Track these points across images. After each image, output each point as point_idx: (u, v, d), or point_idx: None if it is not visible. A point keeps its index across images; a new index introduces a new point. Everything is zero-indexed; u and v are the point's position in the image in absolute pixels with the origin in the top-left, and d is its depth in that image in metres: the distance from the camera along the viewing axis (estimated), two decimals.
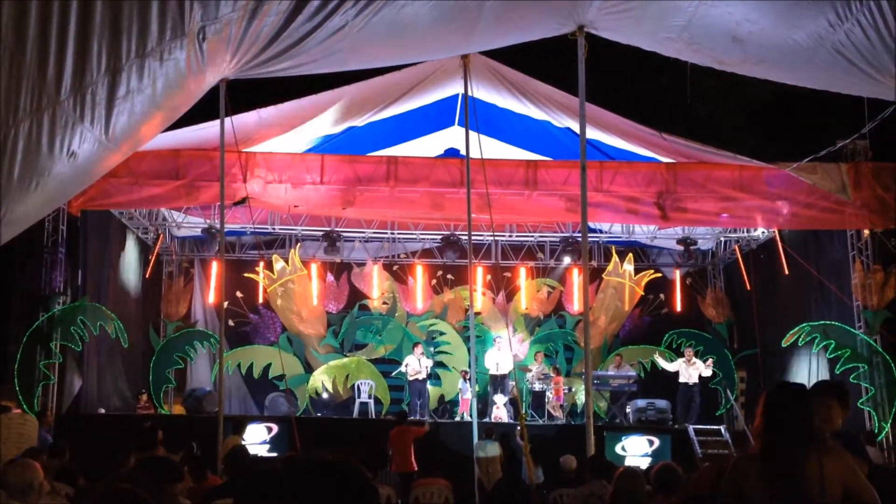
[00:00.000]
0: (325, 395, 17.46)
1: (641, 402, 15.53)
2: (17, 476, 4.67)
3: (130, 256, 17.09)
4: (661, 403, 15.44)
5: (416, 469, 12.00)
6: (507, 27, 8.67)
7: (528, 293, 18.77)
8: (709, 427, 14.90)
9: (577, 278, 18.39)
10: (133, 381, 16.69)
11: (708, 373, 16.16)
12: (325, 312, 18.52)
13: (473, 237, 13.08)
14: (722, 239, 18.38)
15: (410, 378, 16.26)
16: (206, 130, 12.70)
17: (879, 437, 12.89)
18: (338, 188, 13.84)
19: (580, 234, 11.15)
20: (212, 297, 18.59)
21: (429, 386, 16.76)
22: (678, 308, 18.75)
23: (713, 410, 17.25)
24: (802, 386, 3.95)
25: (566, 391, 16.63)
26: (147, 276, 17.56)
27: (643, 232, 17.67)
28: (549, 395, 16.21)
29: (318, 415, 17.03)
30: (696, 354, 16.63)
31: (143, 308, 17.67)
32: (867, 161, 13.34)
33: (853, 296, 14.06)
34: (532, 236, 18.63)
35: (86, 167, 6.35)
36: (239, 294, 18.09)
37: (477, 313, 17.43)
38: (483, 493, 10.95)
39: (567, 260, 18.36)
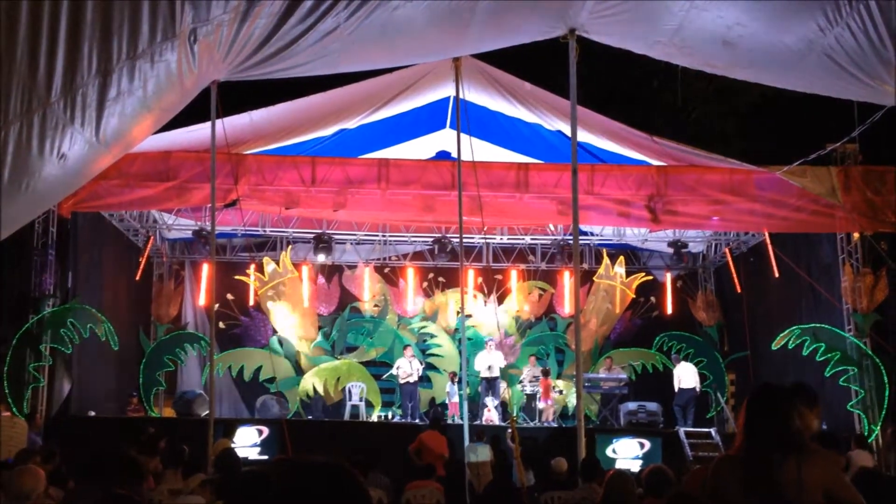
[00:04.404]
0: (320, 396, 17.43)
1: (632, 405, 15.56)
2: (19, 482, 4.64)
3: (121, 258, 17.04)
4: (652, 406, 15.48)
5: (444, 474, 11.89)
6: (499, 30, 8.68)
7: (520, 296, 18.78)
8: (699, 430, 14.94)
9: (568, 281, 18.41)
10: (123, 384, 16.64)
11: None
12: (316, 315, 18.49)
13: (465, 240, 13.08)
14: (713, 242, 18.44)
15: (402, 381, 16.27)
16: (197, 132, 12.68)
17: (870, 440, 12.92)
18: (329, 190, 13.83)
19: (571, 237, 11.16)
20: (202, 300, 18.55)
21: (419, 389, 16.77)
22: (669, 311, 18.79)
23: (704, 413, 17.29)
24: (784, 389, 3.92)
25: (556, 393, 16.61)
26: (137, 278, 17.49)
27: (634, 235, 17.72)
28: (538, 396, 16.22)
29: (309, 417, 17.02)
30: (686, 358, 16.77)
31: (134, 310, 17.62)
32: (857, 164, 13.41)
33: (843, 299, 14.13)
34: (523, 239, 18.65)
35: (76, 169, 6.32)
36: (230, 296, 18.05)
37: (468, 316, 17.44)
38: (473, 496, 10.95)
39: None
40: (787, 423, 3.66)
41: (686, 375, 16.18)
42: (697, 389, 16.22)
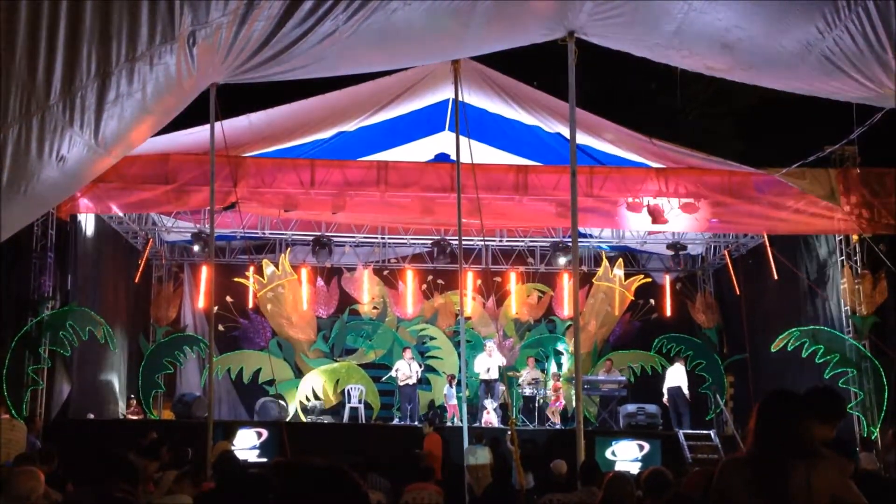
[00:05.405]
0: (315, 402, 17.41)
1: (631, 407, 15.54)
2: (18, 483, 4.63)
3: (120, 261, 17.03)
4: (651, 408, 15.46)
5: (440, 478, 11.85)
6: (498, 32, 8.69)
7: (519, 298, 18.76)
8: (698, 432, 14.94)
9: (567, 283, 18.39)
10: (122, 387, 16.62)
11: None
12: (315, 317, 18.48)
13: (464, 242, 13.06)
14: (711, 244, 18.43)
15: (401, 383, 16.25)
16: (196, 135, 12.67)
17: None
18: (328, 193, 13.82)
19: (570, 239, 11.16)
20: (201, 302, 18.55)
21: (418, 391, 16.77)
22: (668, 313, 18.78)
23: (703, 415, 17.29)
24: (797, 395, 3.90)
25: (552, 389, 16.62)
26: (136, 280, 17.48)
27: (633, 237, 17.70)
28: (549, 397, 16.22)
29: (308, 420, 17.00)
30: (685, 360, 16.78)
31: (133, 313, 17.59)
32: (856, 166, 13.41)
33: (842, 301, 14.11)
34: (522, 241, 18.63)
35: (75, 172, 6.33)
36: (229, 299, 18.03)
37: (467, 318, 17.42)
38: (473, 498, 10.95)
39: (562, 261, 18.29)
40: (799, 429, 3.65)
41: (672, 375, 16.23)
42: (683, 389, 16.19)
